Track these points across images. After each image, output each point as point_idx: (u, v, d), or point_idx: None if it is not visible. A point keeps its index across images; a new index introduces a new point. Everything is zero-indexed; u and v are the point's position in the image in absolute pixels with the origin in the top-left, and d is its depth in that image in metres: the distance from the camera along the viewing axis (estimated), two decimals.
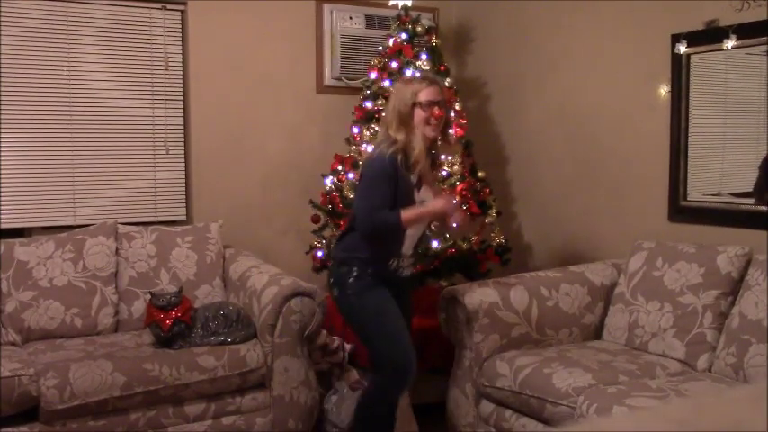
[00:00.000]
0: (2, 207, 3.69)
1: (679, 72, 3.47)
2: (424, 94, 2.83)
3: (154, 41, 3.98)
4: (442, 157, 3.02)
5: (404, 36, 3.92)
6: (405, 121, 2.82)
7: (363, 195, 2.85)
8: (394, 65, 3.87)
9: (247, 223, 4.22)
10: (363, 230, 2.82)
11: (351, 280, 2.88)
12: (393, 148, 2.80)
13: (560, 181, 4.16)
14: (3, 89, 3.66)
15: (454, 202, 3.00)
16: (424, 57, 3.89)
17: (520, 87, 4.37)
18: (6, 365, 2.89)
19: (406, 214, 2.79)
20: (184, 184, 4.13)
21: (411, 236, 2.93)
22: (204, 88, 4.09)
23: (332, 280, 2.97)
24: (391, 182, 2.79)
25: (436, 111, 2.83)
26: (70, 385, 2.89)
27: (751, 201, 3.28)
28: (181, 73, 4.06)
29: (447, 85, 3.91)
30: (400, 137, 2.81)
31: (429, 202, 2.89)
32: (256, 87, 4.22)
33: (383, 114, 3.01)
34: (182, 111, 4.09)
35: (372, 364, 3.08)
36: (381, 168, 2.79)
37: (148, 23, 3.96)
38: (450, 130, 3.06)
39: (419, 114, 2.82)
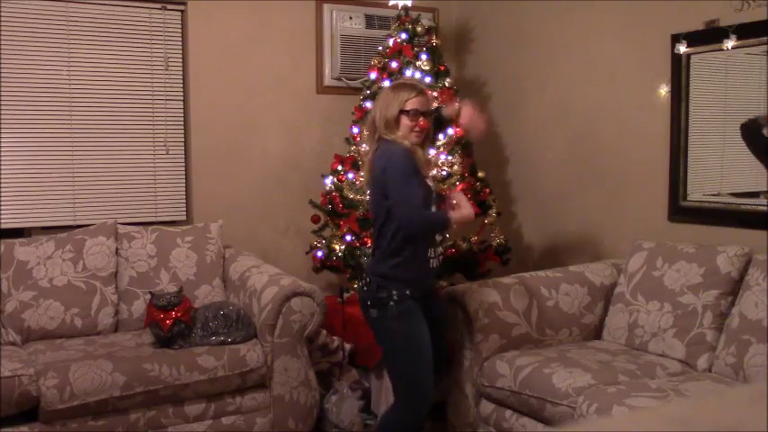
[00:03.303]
0: (2, 207, 3.69)
1: (679, 72, 3.47)
2: (412, 103, 2.78)
3: (154, 41, 3.98)
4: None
5: (404, 36, 3.92)
6: (390, 127, 2.79)
7: (401, 195, 2.70)
8: (394, 65, 3.87)
9: (247, 223, 4.22)
10: (411, 231, 2.71)
11: (392, 303, 2.77)
12: (401, 146, 2.76)
13: (560, 181, 4.16)
14: (3, 89, 3.66)
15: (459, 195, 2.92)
16: (423, 57, 3.89)
17: (520, 87, 4.37)
18: (6, 365, 2.89)
19: (455, 215, 2.76)
20: (184, 184, 4.12)
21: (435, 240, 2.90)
22: (204, 88, 4.09)
23: (369, 302, 2.83)
24: (417, 175, 2.74)
25: (422, 121, 2.78)
26: (70, 385, 2.89)
27: (751, 201, 3.28)
28: (181, 73, 4.06)
29: (447, 85, 3.92)
30: (392, 137, 2.79)
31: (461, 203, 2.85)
32: (256, 87, 4.22)
33: (370, 119, 2.91)
34: (182, 111, 4.09)
35: (394, 392, 2.95)
36: (406, 162, 2.71)
37: (148, 23, 3.96)
38: (431, 151, 2.97)
39: (404, 122, 2.78)
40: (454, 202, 2.85)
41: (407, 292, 2.78)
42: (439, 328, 3.01)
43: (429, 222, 2.80)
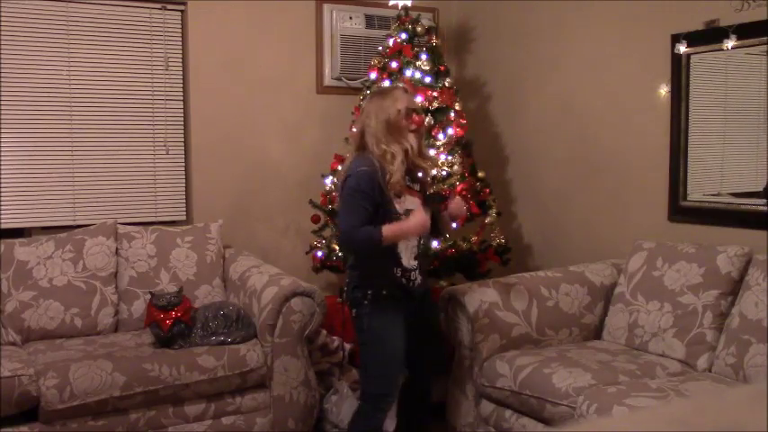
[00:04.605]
0: (2, 207, 3.69)
1: (679, 72, 3.47)
2: (410, 102, 2.85)
3: (154, 41, 3.98)
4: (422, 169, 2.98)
5: (404, 36, 3.92)
6: (394, 131, 2.79)
7: (345, 212, 2.80)
8: (394, 65, 3.87)
9: (247, 223, 4.22)
10: (345, 246, 2.82)
11: (366, 302, 2.84)
12: (370, 165, 2.76)
13: (560, 181, 4.16)
14: (3, 89, 3.66)
15: (453, 201, 3.01)
16: (423, 57, 3.89)
17: (520, 87, 4.37)
18: (6, 365, 2.89)
19: (387, 231, 2.72)
20: (184, 184, 4.12)
21: (407, 248, 2.86)
22: (204, 88, 4.09)
23: (349, 302, 2.94)
24: (371, 198, 2.74)
25: (416, 118, 2.84)
26: (70, 385, 2.89)
27: (751, 201, 3.28)
28: (181, 73, 4.06)
29: (447, 85, 3.92)
30: (390, 148, 2.77)
31: (414, 210, 2.82)
32: (256, 87, 4.22)
33: (359, 130, 2.89)
34: (182, 111, 4.09)
35: (360, 390, 3.07)
36: (359, 185, 2.74)
37: (148, 23, 3.96)
38: (431, 151, 3.07)
39: (406, 123, 2.82)
40: (451, 205, 2.98)
41: (384, 293, 2.83)
42: (427, 329, 3.04)
43: (365, 238, 2.73)
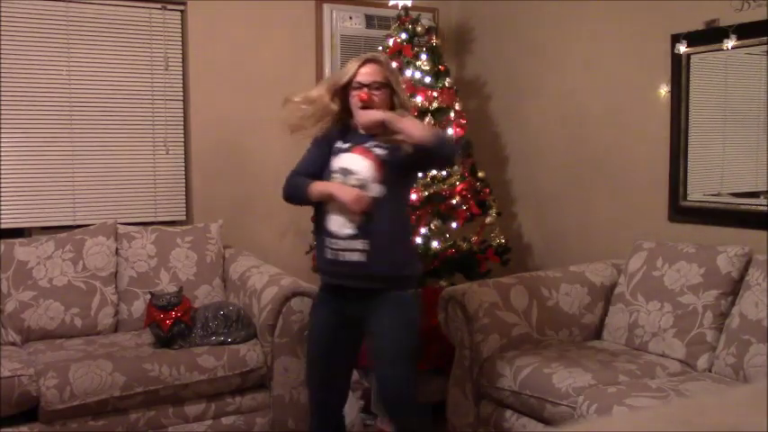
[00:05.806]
0: (2, 207, 3.69)
1: (679, 72, 3.47)
2: (358, 75, 2.63)
3: (154, 41, 3.98)
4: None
5: (404, 36, 3.92)
6: (336, 94, 2.68)
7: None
8: (394, 65, 3.86)
9: (247, 223, 4.22)
10: (283, 193, 2.74)
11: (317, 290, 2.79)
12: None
13: (561, 181, 4.16)
14: (3, 89, 3.66)
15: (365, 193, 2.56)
16: (423, 57, 3.89)
17: (520, 87, 4.37)
18: (6, 365, 2.89)
19: (317, 186, 2.62)
20: (184, 184, 4.12)
21: (335, 218, 2.60)
22: (204, 88, 4.09)
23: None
24: (320, 147, 2.72)
25: (363, 94, 2.60)
26: (70, 385, 2.90)
27: (751, 201, 3.28)
28: (181, 73, 4.06)
29: (447, 85, 3.92)
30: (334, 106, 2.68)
31: (356, 169, 2.60)
32: (256, 87, 4.22)
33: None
34: (182, 111, 4.09)
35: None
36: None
37: (148, 23, 3.96)
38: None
39: (351, 94, 2.66)
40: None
41: (322, 283, 2.76)
42: (377, 346, 2.65)
43: (293, 185, 2.72)
